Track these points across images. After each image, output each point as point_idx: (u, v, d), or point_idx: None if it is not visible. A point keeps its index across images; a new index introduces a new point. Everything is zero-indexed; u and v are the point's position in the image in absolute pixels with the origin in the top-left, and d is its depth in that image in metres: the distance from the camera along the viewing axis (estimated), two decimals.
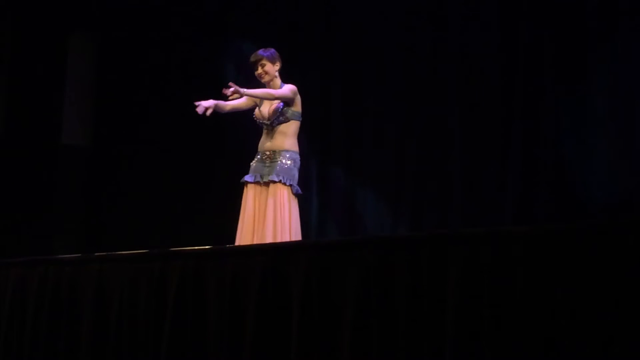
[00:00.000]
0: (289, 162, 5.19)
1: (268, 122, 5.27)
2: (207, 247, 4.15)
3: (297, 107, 5.26)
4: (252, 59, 5.32)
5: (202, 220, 7.38)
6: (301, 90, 5.32)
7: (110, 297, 4.22)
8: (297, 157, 5.26)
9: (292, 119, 5.25)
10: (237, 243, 5.12)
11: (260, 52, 5.32)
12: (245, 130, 7.41)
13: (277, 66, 5.32)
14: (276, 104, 5.25)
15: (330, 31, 7.09)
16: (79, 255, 5.02)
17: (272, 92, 5.21)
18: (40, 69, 7.94)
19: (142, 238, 7.01)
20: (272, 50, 5.35)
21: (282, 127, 5.24)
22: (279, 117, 5.24)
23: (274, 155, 5.22)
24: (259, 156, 5.29)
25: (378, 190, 6.64)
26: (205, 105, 5.17)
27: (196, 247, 4.07)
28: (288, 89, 5.22)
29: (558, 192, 5.69)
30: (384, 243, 3.32)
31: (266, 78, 5.30)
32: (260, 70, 5.28)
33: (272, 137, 5.26)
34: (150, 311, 3.99)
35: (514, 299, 2.79)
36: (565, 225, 2.82)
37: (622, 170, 5.48)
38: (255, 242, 5.02)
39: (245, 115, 7.43)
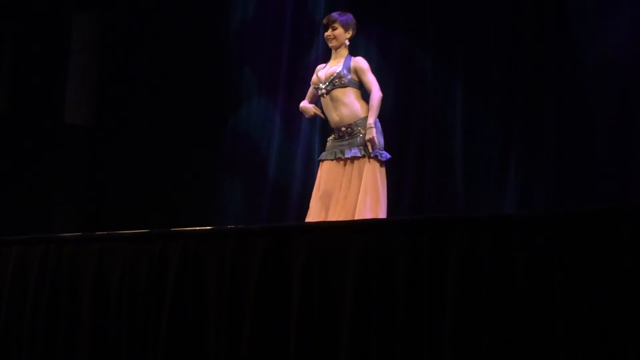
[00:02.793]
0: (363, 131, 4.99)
1: (323, 87, 5.11)
2: (208, 227, 4.16)
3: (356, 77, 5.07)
4: (325, 20, 5.16)
5: (204, 200, 7.39)
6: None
7: (110, 276, 4.23)
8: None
9: (349, 86, 5.05)
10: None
11: (335, 14, 5.15)
12: (248, 111, 7.46)
13: (349, 34, 5.12)
14: (335, 67, 5.09)
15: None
16: (80, 233, 5.03)
17: (376, 99, 4.95)
18: (44, 49, 7.92)
19: (143, 217, 7.02)
20: (349, 15, 5.17)
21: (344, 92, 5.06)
22: (333, 81, 5.06)
23: (351, 129, 5.01)
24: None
25: None
26: (313, 111, 5.22)
27: (197, 228, 4.08)
28: (373, 78, 5.03)
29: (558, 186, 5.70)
30: (384, 226, 3.32)
31: (334, 43, 5.12)
32: (330, 32, 5.10)
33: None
34: (150, 291, 4.00)
35: (514, 283, 2.80)
36: (566, 210, 2.83)
37: (622, 162, 5.48)
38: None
39: (246, 101, 7.46)
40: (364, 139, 4.94)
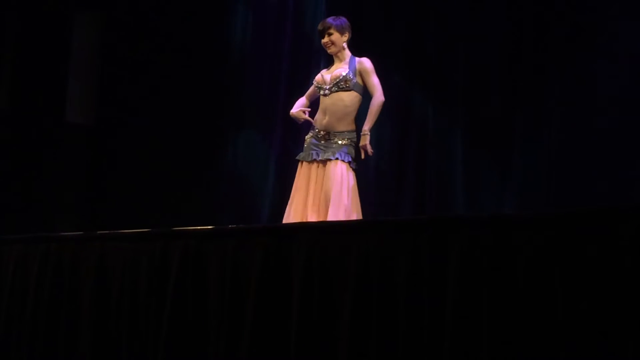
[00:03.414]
0: (344, 141, 4.98)
1: (327, 87, 5.06)
2: (209, 227, 4.16)
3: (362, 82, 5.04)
4: (320, 26, 5.12)
5: (204, 199, 7.40)
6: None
7: (111, 275, 4.23)
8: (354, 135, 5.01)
9: (354, 90, 5.01)
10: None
11: (330, 20, 5.11)
12: (249, 110, 7.47)
13: (346, 37, 5.07)
14: (341, 69, 5.04)
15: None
16: (81, 232, 5.04)
17: (376, 105, 4.94)
18: (45, 48, 7.94)
19: (144, 216, 7.02)
20: (343, 19, 5.12)
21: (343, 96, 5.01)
22: (338, 83, 5.01)
23: (328, 136, 5.02)
24: (315, 130, 5.09)
25: (380, 175, 6.63)
26: (303, 117, 5.18)
27: (198, 227, 4.08)
28: (377, 81, 4.98)
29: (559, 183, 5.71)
30: (385, 226, 3.32)
31: (332, 49, 5.09)
32: (326, 39, 5.06)
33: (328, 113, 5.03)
34: (151, 290, 4.00)
35: (514, 283, 2.80)
36: (566, 210, 2.83)
37: (622, 161, 5.48)
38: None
39: (248, 97, 7.46)
40: (338, 149, 4.93)
